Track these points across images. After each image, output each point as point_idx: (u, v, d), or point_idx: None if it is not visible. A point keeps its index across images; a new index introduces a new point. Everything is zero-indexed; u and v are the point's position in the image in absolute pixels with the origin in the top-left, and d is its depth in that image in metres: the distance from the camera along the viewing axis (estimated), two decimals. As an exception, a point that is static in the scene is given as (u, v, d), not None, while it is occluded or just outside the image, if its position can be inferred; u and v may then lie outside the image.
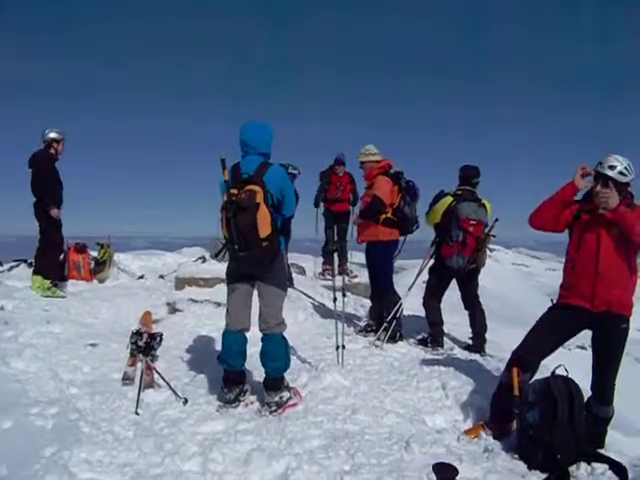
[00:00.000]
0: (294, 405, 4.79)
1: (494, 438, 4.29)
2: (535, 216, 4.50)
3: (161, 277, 10.98)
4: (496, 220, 6.78)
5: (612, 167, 4.04)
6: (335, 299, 6.29)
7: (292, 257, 11.15)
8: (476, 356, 6.63)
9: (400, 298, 7.01)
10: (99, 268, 10.29)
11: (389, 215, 6.88)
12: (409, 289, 7.29)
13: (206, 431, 4.26)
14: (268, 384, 4.74)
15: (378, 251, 7.03)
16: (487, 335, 7.08)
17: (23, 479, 3.29)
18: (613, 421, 4.41)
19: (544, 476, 3.77)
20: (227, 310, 4.79)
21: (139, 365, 5.47)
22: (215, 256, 8.65)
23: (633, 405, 6.04)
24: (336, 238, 11.34)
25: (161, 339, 6.08)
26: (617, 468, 3.83)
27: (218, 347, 5.27)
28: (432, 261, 7.14)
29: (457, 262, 6.62)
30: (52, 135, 8.64)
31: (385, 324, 6.86)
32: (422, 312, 7.34)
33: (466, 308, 7.18)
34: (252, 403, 4.85)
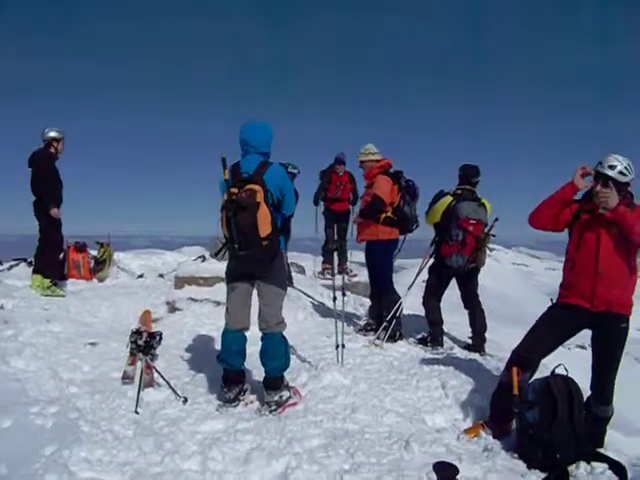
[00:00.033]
0: (294, 404, 4.79)
1: (494, 437, 4.29)
2: (535, 215, 4.50)
3: (161, 276, 10.97)
4: (496, 219, 6.78)
5: (612, 167, 4.04)
6: (335, 298, 6.29)
7: (292, 256, 11.15)
8: (476, 355, 6.63)
9: (400, 297, 7.02)
10: (99, 267, 10.28)
11: (389, 214, 6.88)
12: (409, 288, 7.29)
13: (206, 430, 4.27)
14: (268, 383, 4.75)
15: (378, 250, 7.03)
16: (487, 334, 7.07)
17: (23, 478, 3.29)
18: (612, 420, 4.41)
19: (544, 475, 3.78)
20: (227, 309, 4.79)
21: (139, 364, 5.48)
22: (215, 255, 8.65)
23: (632, 405, 6.05)
24: (336, 237, 11.35)
25: (161, 338, 6.08)
26: (616, 467, 3.83)
27: (218, 346, 5.27)
28: (432, 260, 7.14)
29: (457, 261, 6.62)
30: (52, 134, 8.63)
31: (385, 323, 6.86)
32: (422, 311, 7.35)
33: (466, 307, 7.18)
34: (252, 402, 4.86)
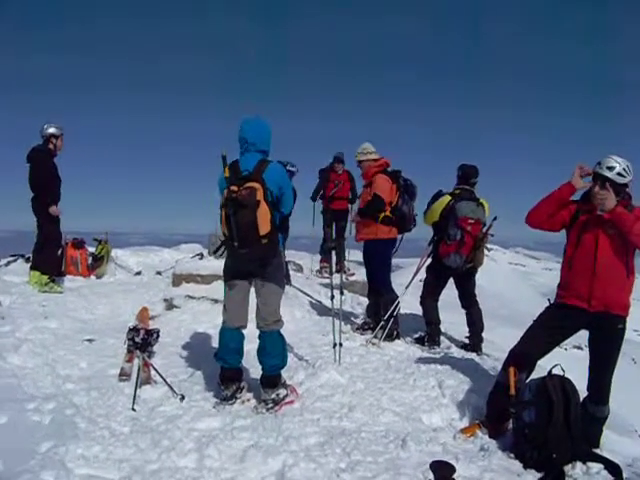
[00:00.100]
0: (291, 402, 4.79)
1: (490, 437, 4.31)
2: (532, 214, 4.51)
3: (158, 273, 10.96)
4: (494, 219, 6.78)
5: (611, 168, 4.04)
6: (333, 297, 6.30)
7: (289, 254, 11.16)
8: (473, 355, 6.64)
9: (398, 296, 7.02)
10: (96, 264, 10.28)
11: (387, 214, 6.88)
12: (406, 287, 7.29)
13: (203, 428, 4.27)
14: (265, 381, 4.75)
15: (377, 249, 7.03)
16: (484, 334, 7.08)
17: (19, 474, 3.28)
18: (608, 421, 4.42)
19: (539, 475, 3.79)
20: (224, 307, 4.79)
21: (136, 361, 5.48)
22: (214, 253, 8.64)
23: (628, 405, 6.07)
24: (334, 236, 11.35)
25: (158, 335, 6.09)
26: (612, 468, 3.85)
27: (215, 344, 5.27)
28: (430, 260, 7.15)
29: (455, 261, 6.62)
30: (51, 130, 8.61)
31: (382, 322, 6.86)
32: (419, 310, 7.35)
33: (463, 307, 7.19)
34: (249, 400, 4.86)
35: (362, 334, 7.24)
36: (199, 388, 5.12)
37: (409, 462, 3.83)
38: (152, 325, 6.77)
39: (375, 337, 6.89)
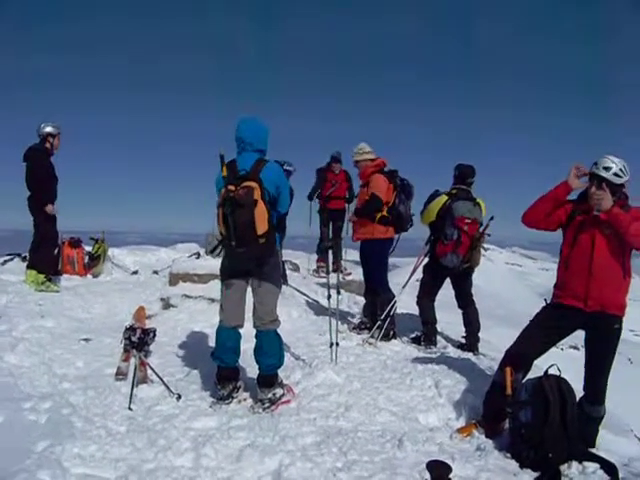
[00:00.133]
0: (287, 402, 4.80)
1: (486, 437, 4.31)
2: (528, 213, 4.52)
3: (155, 272, 10.96)
4: (491, 218, 6.79)
5: (607, 168, 4.05)
6: (329, 296, 6.29)
7: (286, 254, 11.15)
8: (469, 355, 6.65)
9: (394, 296, 7.02)
10: (93, 263, 10.27)
11: (384, 213, 6.87)
12: (403, 287, 7.30)
13: (199, 427, 4.27)
14: (261, 381, 4.75)
15: (374, 249, 7.03)
16: (480, 334, 7.09)
17: (15, 474, 3.27)
18: (604, 421, 4.43)
19: (536, 475, 3.80)
20: (221, 306, 4.79)
21: (132, 360, 5.47)
22: (211, 252, 8.63)
23: (624, 405, 6.08)
24: (331, 235, 11.36)
25: (154, 335, 6.08)
26: (608, 467, 3.85)
27: (212, 343, 5.27)
28: (426, 259, 7.15)
29: (451, 261, 6.63)
30: (48, 129, 8.58)
31: (379, 322, 6.87)
32: (416, 310, 7.35)
33: (460, 307, 7.19)
34: (245, 400, 4.87)
35: (359, 334, 7.24)
36: (196, 387, 5.12)
37: (405, 462, 3.83)
38: (149, 324, 6.76)
39: (372, 337, 6.90)
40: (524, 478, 3.78)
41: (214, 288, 7.07)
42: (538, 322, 4.46)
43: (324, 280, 7.56)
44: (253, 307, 4.73)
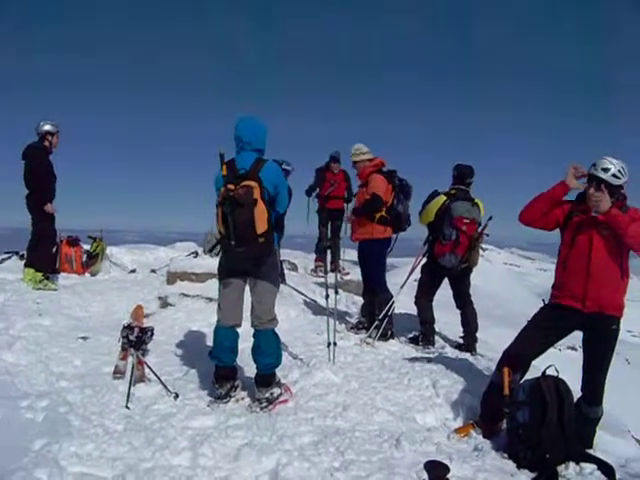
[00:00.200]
0: (285, 401, 4.80)
1: (484, 437, 4.32)
2: (525, 212, 4.52)
3: (153, 271, 10.95)
4: (490, 219, 6.80)
5: (605, 169, 4.05)
6: (327, 296, 6.30)
7: (284, 253, 11.16)
8: (467, 355, 6.65)
9: (392, 296, 7.02)
10: (91, 261, 10.26)
11: (383, 213, 6.87)
12: (401, 287, 7.30)
13: (197, 426, 4.27)
14: (259, 380, 4.75)
15: (372, 249, 7.03)
16: (478, 334, 7.09)
17: (12, 472, 3.27)
18: (602, 421, 4.43)
19: (533, 475, 3.80)
20: (219, 305, 4.79)
21: (130, 359, 5.47)
22: (209, 251, 8.63)
23: (622, 406, 6.08)
24: (329, 235, 11.37)
25: (152, 333, 6.08)
26: (605, 468, 3.86)
27: (209, 342, 5.27)
28: (425, 259, 7.15)
29: (450, 261, 6.63)
30: (47, 127, 8.57)
31: (377, 322, 6.87)
32: (414, 310, 7.36)
33: (458, 307, 7.19)
34: (243, 399, 4.86)
35: (356, 333, 7.25)
36: (193, 386, 5.11)
37: (403, 462, 3.83)
38: (146, 323, 6.76)
39: (369, 336, 6.89)
40: (521, 478, 3.78)
41: (212, 287, 7.07)
42: (536, 323, 4.46)
43: (322, 280, 7.57)
44: (251, 306, 4.73)
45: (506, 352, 4.47)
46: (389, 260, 7.42)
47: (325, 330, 6.14)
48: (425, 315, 7.08)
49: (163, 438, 3.97)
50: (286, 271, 10.37)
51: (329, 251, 8.84)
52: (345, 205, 11.31)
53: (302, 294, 9.05)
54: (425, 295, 7.09)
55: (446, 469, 3.42)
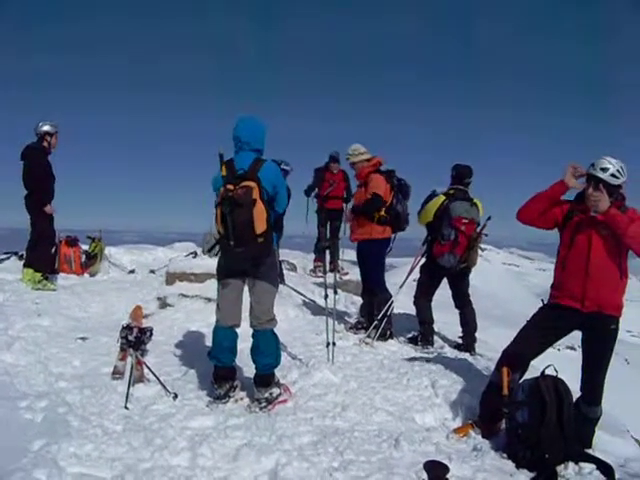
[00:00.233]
0: (284, 401, 4.79)
1: (483, 437, 4.31)
2: (522, 210, 4.52)
3: (152, 272, 10.95)
4: (489, 218, 6.80)
5: (604, 169, 4.05)
6: (326, 296, 6.29)
7: (283, 253, 11.16)
8: (466, 355, 6.65)
9: (391, 296, 7.02)
10: (90, 262, 10.26)
11: (382, 213, 6.87)
12: (400, 287, 7.30)
13: (196, 426, 4.26)
14: (258, 380, 4.75)
15: (371, 250, 7.03)
16: (477, 334, 7.09)
17: (11, 473, 3.26)
18: (601, 421, 4.43)
19: (532, 475, 3.80)
20: (218, 306, 4.79)
21: (129, 359, 5.47)
22: (208, 251, 8.62)
23: (621, 406, 6.08)
24: (329, 235, 11.37)
25: (151, 334, 6.08)
26: (604, 468, 3.86)
27: (208, 342, 5.26)
28: (424, 259, 7.15)
29: (449, 261, 6.64)
30: (45, 128, 8.57)
31: (376, 322, 6.87)
32: (413, 310, 7.36)
33: (457, 307, 7.20)
34: (242, 399, 4.86)
35: (355, 333, 7.24)
36: (192, 387, 5.11)
37: (402, 462, 3.83)
38: (145, 323, 6.75)
39: (368, 336, 6.90)
40: (520, 478, 3.78)
41: (211, 287, 7.06)
42: (535, 322, 4.46)
43: (321, 280, 7.57)
44: (250, 306, 4.73)
45: (505, 352, 4.47)
46: (388, 260, 7.42)
47: (324, 330, 6.14)
48: (424, 315, 7.08)
49: (162, 438, 3.96)
50: (285, 271, 10.36)
51: (328, 251, 8.84)
52: (344, 205, 11.32)
53: (301, 294, 9.04)
54: (424, 295, 7.10)
55: (445, 469, 3.42)
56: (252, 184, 4.32)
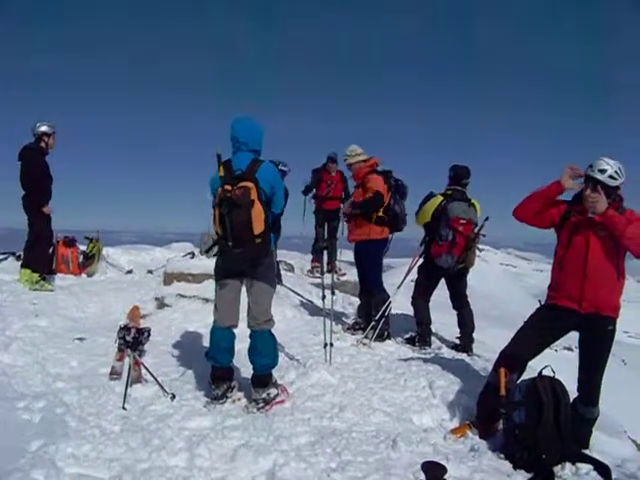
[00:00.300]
0: (281, 402, 4.80)
1: (480, 437, 4.32)
2: (518, 209, 4.53)
3: (149, 272, 10.94)
4: (486, 219, 6.80)
5: (602, 171, 4.05)
6: (324, 297, 6.29)
7: (280, 254, 11.15)
8: (463, 355, 6.65)
9: (389, 297, 7.02)
10: (88, 262, 10.25)
11: (380, 213, 6.87)
12: (398, 288, 7.30)
13: (193, 427, 4.26)
14: (256, 381, 4.75)
15: (369, 250, 7.03)
16: (475, 335, 7.10)
17: (9, 473, 3.26)
18: (598, 422, 4.44)
19: (529, 475, 3.80)
20: (215, 306, 4.79)
21: (127, 360, 5.47)
22: (206, 252, 8.61)
23: (618, 406, 6.09)
24: (326, 236, 11.36)
25: (149, 334, 6.08)
26: (601, 468, 3.86)
27: (206, 343, 5.26)
28: (421, 260, 7.16)
29: (446, 261, 6.64)
30: (43, 128, 8.56)
31: (373, 322, 6.87)
32: (410, 311, 7.36)
33: (454, 307, 7.20)
34: (239, 399, 4.86)
35: (353, 334, 7.24)
36: (190, 387, 5.11)
37: (400, 462, 3.83)
38: (143, 324, 6.75)
39: (366, 337, 6.89)
40: (517, 479, 3.79)
41: (208, 288, 7.06)
42: (532, 323, 4.46)
43: (319, 280, 7.57)
44: (247, 307, 4.73)
45: (502, 353, 4.48)
46: (386, 261, 7.42)
47: (322, 331, 6.14)
48: (422, 316, 7.08)
49: (160, 439, 3.97)
50: (283, 272, 10.36)
51: (326, 252, 8.85)
52: (342, 206, 11.31)
53: (299, 295, 9.05)
54: (422, 296, 7.10)
55: (443, 470, 3.43)
56: (250, 185, 4.32)
